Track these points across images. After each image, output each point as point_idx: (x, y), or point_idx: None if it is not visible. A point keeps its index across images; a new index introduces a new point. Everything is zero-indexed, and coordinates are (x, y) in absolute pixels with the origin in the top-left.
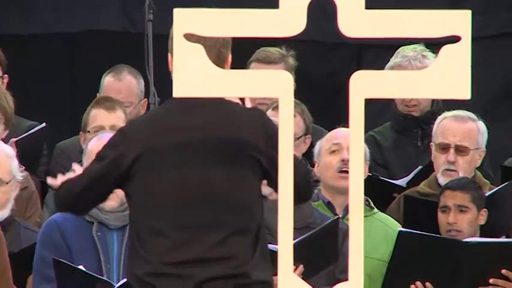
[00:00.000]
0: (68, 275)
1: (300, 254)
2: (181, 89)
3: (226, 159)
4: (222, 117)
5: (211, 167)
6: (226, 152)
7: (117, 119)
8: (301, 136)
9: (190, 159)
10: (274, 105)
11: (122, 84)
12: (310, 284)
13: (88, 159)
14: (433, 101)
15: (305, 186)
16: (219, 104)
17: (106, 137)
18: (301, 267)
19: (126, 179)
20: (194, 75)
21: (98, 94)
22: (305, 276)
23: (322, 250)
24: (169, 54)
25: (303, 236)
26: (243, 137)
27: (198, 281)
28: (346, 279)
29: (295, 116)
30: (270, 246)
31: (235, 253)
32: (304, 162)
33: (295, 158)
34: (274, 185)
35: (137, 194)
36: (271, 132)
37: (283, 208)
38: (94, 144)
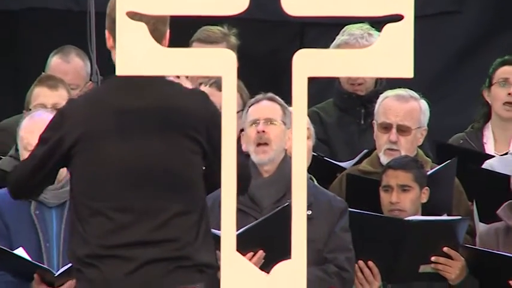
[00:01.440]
0: (7, 261)
1: (258, 239)
2: (124, 67)
3: (167, 140)
4: (162, 98)
5: (152, 148)
6: (167, 133)
7: (60, 97)
8: (238, 111)
9: (130, 139)
10: (211, 81)
11: (70, 66)
12: (264, 270)
13: (20, 138)
14: (376, 80)
15: (244, 177)
16: (160, 83)
17: (38, 115)
18: (260, 252)
19: (68, 159)
20: (137, 54)
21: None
22: (268, 261)
23: (282, 234)
24: (106, 31)
25: (256, 221)
26: (183, 117)
27: (141, 262)
28: (335, 258)
29: None
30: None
31: (178, 235)
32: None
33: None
34: (212, 168)
35: (78, 174)
36: (212, 114)
37: (226, 187)
38: (26, 124)
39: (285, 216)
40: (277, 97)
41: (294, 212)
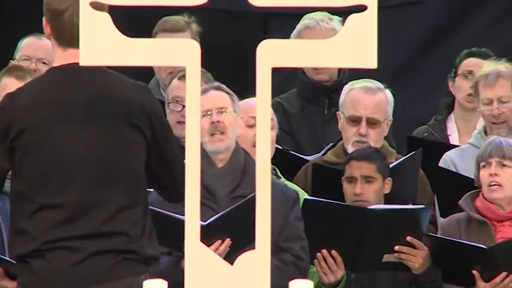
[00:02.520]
0: None
1: (226, 227)
2: (88, 57)
3: (110, 132)
4: (105, 88)
5: (96, 139)
6: (110, 123)
7: None
8: None
9: (73, 131)
10: (180, 74)
11: (43, 42)
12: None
13: None
14: (339, 70)
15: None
16: (102, 74)
17: None
18: (227, 241)
19: (11, 154)
20: (101, 44)
21: (12, 60)
22: (234, 250)
23: (249, 223)
24: (43, 18)
25: (225, 210)
26: (126, 107)
27: (88, 253)
28: (291, 248)
29: (201, 84)
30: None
31: (126, 229)
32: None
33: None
34: (151, 162)
35: (21, 169)
36: (154, 107)
37: (190, 178)
38: None
39: (252, 206)
40: (223, 85)
41: (258, 203)
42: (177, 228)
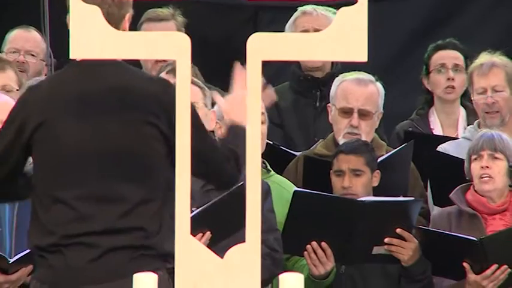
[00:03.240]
0: None
1: (207, 220)
2: (77, 50)
3: (128, 126)
4: (123, 83)
5: (114, 134)
6: (128, 118)
7: (8, 79)
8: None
9: (91, 125)
10: (168, 68)
11: (31, 35)
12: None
13: None
14: (332, 63)
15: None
16: (121, 68)
17: None
18: (208, 234)
19: (30, 147)
20: (91, 37)
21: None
22: (214, 242)
23: (229, 216)
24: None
25: (208, 203)
26: (144, 102)
27: (105, 249)
28: (265, 240)
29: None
30: None
31: (142, 224)
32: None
33: (215, 144)
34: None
35: (39, 162)
36: (173, 100)
37: (180, 170)
38: None
39: (233, 198)
40: (195, 79)
41: (248, 196)
42: None
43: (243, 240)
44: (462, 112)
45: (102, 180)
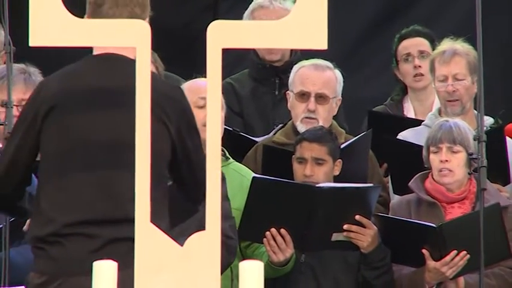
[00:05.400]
0: None
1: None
2: (37, 38)
3: (135, 122)
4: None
5: (121, 126)
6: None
7: None
8: None
9: (99, 116)
10: None
11: None
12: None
13: None
14: (291, 50)
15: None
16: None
17: None
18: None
19: (40, 136)
20: (50, 25)
21: None
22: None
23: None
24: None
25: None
26: (158, 103)
27: (105, 240)
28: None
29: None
30: None
31: None
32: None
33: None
34: (176, 161)
35: (46, 149)
36: (185, 109)
37: (140, 158)
38: None
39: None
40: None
41: (208, 183)
42: None
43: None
44: (436, 98)
45: (103, 171)
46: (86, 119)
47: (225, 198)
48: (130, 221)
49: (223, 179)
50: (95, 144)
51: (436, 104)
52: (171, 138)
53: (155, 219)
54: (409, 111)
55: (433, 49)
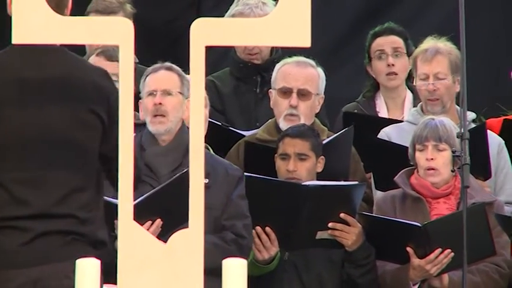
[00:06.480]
0: None
1: (156, 207)
2: (20, 35)
3: (68, 112)
4: (66, 69)
5: (54, 119)
6: (69, 104)
7: None
8: None
9: (32, 109)
10: (98, 50)
11: None
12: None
13: None
14: (272, 49)
15: None
16: (64, 55)
17: None
18: (158, 221)
19: None
20: (34, 22)
21: None
22: (166, 229)
23: (179, 202)
24: None
25: (153, 190)
26: (86, 90)
27: (37, 233)
28: (233, 225)
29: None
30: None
31: (75, 212)
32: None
33: None
34: (106, 148)
35: None
36: (114, 93)
37: (123, 156)
38: None
39: (182, 184)
40: (175, 66)
41: (192, 180)
42: (111, 211)
43: (218, 222)
44: (409, 94)
45: (37, 166)
46: (19, 115)
47: (241, 197)
48: (64, 216)
49: (242, 179)
50: (28, 141)
51: (409, 99)
52: (103, 126)
53: (90, 210)
54: (382, 108)
55: (407, 47)
